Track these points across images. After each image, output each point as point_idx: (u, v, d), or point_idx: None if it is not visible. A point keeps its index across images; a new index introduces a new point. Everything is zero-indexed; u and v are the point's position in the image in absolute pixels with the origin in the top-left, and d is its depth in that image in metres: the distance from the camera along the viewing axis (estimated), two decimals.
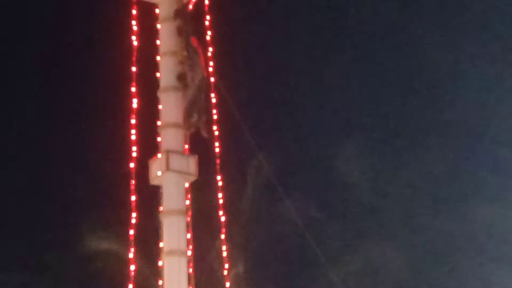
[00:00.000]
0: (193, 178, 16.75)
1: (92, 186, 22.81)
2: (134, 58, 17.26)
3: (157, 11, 17.69)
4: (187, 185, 16.81)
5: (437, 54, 27.43)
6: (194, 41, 17.27)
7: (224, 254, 16.80)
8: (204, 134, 16.94)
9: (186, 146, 16.84)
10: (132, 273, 16.08)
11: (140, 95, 17.17)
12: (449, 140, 25.97)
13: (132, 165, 16.69)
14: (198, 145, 17.11)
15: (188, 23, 17.33)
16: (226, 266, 16.79)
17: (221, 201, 16.92)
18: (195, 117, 16.97)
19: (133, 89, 17.04)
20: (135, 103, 17.00)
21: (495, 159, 25.49)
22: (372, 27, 27.68)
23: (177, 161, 16.55)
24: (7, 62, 26.05)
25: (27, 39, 26.80)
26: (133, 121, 16.89)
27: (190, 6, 17.61)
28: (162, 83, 17.12)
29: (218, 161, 16.97)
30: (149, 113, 17.17)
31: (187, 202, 16.66)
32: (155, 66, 17.39)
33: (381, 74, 27.54)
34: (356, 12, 27.67)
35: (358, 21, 27.71)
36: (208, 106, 17.23)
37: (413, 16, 28.08)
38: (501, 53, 26.75)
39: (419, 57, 27.35)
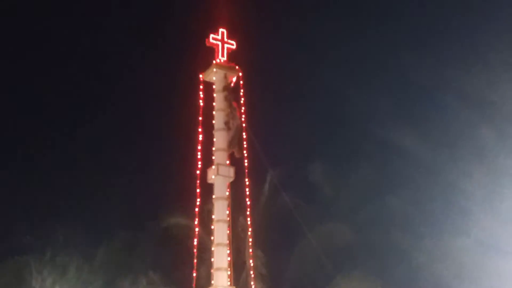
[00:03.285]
0: (231, 180, 24.37)
1: (176, 184, 29.35)
2: (201, 112, 25.00)
3: (214, 86, 25.54)
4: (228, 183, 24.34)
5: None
6: (234, 103, 24.91)
7: (249, 222, 24.39)
8: (237, 155, 24.54)
9: (228, 162, 24.56)
10: (197, 233, 23.70)
11: (203, 132, 24.57)
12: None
13: (198, 172, 24.30)
14: (235, 161, 24.56)
15: (231, 93, 24.99)
16: (250, 229, 24.31)
17: (247, 192, 24.50)
18: (232, 145, 24.43)
19: (200, 129, 24.85)
20: (200, 137, 24.73)
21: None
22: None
23: (223, 170, 24.28)
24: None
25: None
26: (199, 147, 24.68)
27: (232, 84, 25.40)
28: (216, 126, 24.82)
29: (246, 170, 24.69)
30: (209, 142, 24.40)
31: (228, 193, 24.22)
32: (212, 117, 24.83)
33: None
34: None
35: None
36: (240, 140, 24.38)
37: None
38: None
39: None
